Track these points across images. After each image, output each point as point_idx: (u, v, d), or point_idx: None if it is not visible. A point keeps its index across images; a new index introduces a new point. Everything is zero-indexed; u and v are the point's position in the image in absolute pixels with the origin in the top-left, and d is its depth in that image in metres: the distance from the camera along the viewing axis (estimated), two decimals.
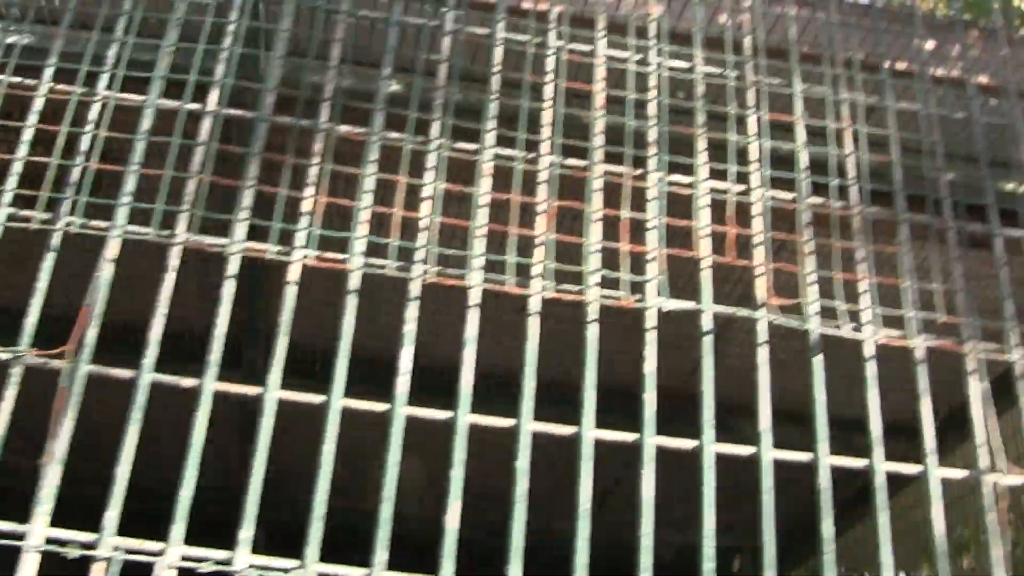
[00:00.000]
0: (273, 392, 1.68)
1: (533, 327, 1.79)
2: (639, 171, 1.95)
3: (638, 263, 1.87)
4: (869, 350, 1.90)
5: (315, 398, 1.69)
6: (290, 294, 1.77)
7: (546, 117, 1.98)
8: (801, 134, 2.06)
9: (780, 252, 2.06)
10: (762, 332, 1.87)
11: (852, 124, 2.10)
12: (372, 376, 1.84)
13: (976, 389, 1.92)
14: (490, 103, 1.96)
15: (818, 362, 1.87)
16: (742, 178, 1.98)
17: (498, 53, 2.02)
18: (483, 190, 1.89)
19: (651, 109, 2.02)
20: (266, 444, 1.63)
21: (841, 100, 2.14)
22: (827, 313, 1.91)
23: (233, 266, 1.79)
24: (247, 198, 1.84)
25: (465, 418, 1.70)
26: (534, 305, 1.81)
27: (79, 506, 1.74)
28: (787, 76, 2.11)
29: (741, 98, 2.08)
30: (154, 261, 1.78)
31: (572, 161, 1.94)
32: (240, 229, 1.81)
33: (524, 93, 1.96)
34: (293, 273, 1.79)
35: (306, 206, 1.85)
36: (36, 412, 1.68)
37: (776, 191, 2.00)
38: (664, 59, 2.08)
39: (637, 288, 1.85)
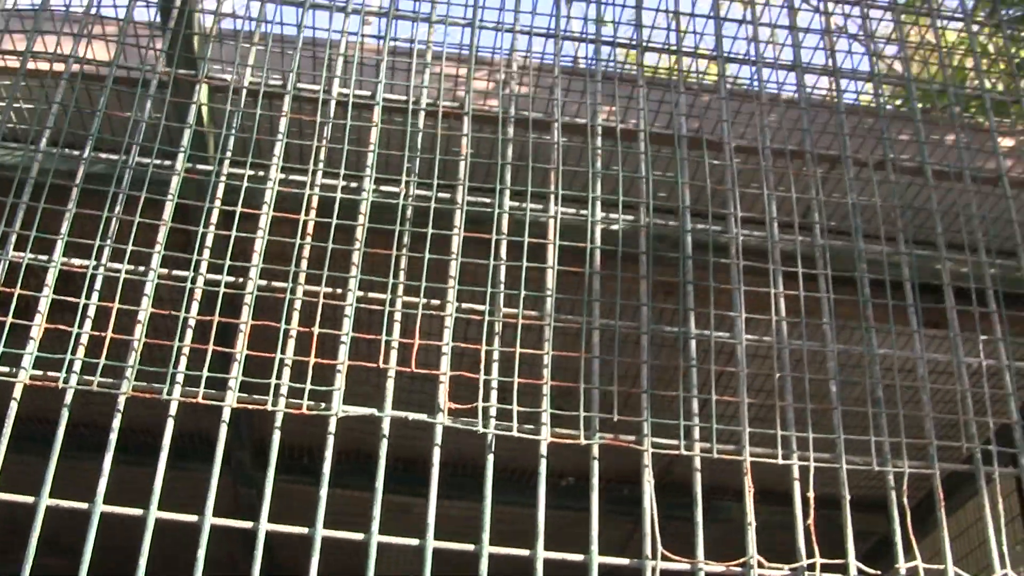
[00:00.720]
0: None
1: (222, 432, 2.21)
2: (338, 290, 2.37)
3: (328, 375, 2.28)
4: (542, 449, 2.29)
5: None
6: (12, 409, 2.21)
7: (258, 244, 2.41)
8: (502, 251, 2.47)
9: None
10: (438, 434, 2.26)
11: (553, 240, 2.51)
12: None
13: (648, 481, 2.28)
14: (206, 234, 2.40)
15: (490, 460, 2.25)
16: (438, 293, 2.39)
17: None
18: (192, 313, 2.32)
19: (358, 232, 2.45)
20: None
21: (549, 215, 2.55)
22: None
23: None
24: None
25: (154, 515, 2.12)
26: (225, 414, 2.23)
27: None
28: (492, 195, 2.54)
29: (448, 219, 2.50)
30: None
31: (277, 284, 2.37)
32: None
33: (236, 224, 2.40)
34: (17, 392, 2.23)
35: (33, 332, 2.29)
36: None
37: (471, 304, 2.40)
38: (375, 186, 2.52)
39: (323, 397, 2.26)
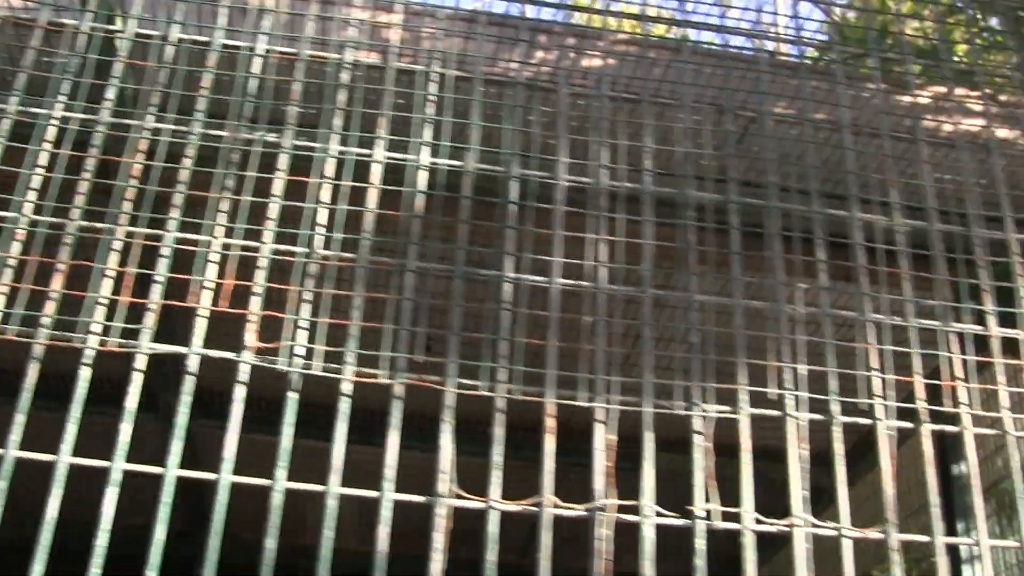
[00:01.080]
0: None
1: (31, 370, 2.36)
2: (157, 231, 2.50)
3: (139, 313, 2.42)
4: (345, 387, 2.42)
5: None
6: None
7: (82, 187, 2.55)
8: (326, 194, 2.59)
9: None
10: (243, 373, 2.39)
11: (376, 185, 2.62)
12: None
13: (446, 421, 2.41)
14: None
15: (292, 399, 2.38)
16: (255, 235, 2.52)
17: (50, 132, 2.60)
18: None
19: (182, 175, 2.57)
20: None
21: (374, 159, 2.66)
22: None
23: None
24: None
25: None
26: (36, 351, 2.37)
27: None
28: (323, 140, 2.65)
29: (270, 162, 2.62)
30: None
31: (98, 224, 2.51)
32: None
33: (63, 166, 2.53)
34: None
35: None
36: None
37: (285, 246, 2.53)
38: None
39: (133, 335, 2.40)
